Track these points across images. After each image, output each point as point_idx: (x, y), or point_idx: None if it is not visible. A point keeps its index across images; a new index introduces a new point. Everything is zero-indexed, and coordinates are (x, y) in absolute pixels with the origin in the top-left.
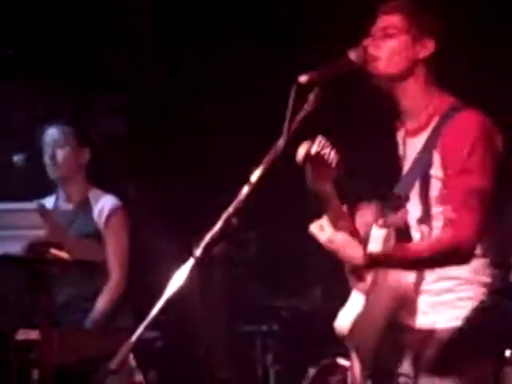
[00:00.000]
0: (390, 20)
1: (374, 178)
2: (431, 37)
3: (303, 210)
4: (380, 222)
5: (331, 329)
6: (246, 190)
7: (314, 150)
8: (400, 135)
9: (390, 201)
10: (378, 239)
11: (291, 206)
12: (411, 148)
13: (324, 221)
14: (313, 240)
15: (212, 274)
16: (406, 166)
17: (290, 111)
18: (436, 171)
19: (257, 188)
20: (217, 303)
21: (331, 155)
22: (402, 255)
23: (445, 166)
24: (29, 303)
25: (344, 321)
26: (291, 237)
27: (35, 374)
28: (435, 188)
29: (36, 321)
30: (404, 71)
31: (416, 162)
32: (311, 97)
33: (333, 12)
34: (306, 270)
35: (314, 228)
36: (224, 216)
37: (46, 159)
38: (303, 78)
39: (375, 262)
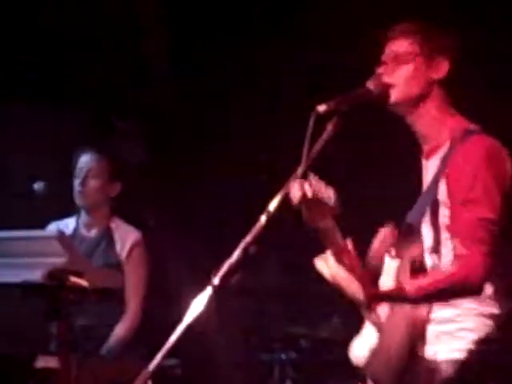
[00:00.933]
0: (400, 45)
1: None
2: (444, 56)
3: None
4: (393, 252)
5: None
6: (263, 217)
7: (309, 193)
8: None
9: (404, 230)
10: (390, 271)
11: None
12: (426, 171)
13: (328, 255)
14: None
15: (229, 303)
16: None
17: (308, 139)
18: (443, 198)
19: (274, 216)
20: (234, 332)
21: (327, 193)
22: (410, 291)
23: (450, 195)
24: (48, 331)
25: (359, 351)
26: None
27: None
28: (443, 215)
29: (54, 348)
30: (420, 95)
31: (428, 188)
32: (329, 126)
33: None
34: (324, 297)
35: (319, 262)
36: (241, 244)
37: (76, 184)
38: (322, 108)
39: (381, 299)
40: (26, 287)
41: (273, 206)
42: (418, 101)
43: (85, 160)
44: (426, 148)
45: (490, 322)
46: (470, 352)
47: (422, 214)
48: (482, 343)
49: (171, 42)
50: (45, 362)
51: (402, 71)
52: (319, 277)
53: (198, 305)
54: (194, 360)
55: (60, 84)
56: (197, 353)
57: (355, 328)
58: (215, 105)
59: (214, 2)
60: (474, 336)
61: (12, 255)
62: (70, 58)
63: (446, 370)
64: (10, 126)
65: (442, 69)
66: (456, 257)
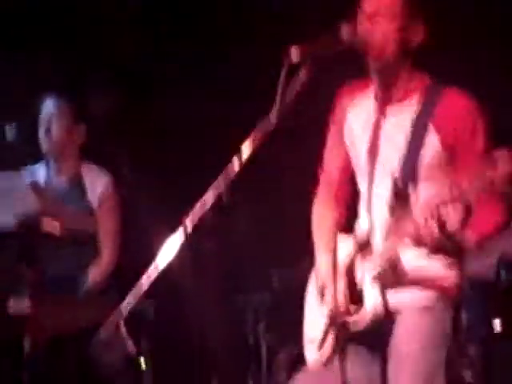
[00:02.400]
0: (383, 1)
1: None
2: (422, 23)
3: (294, 184)
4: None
5: None
6: (236, 164)
7: None
8: (361, 105)
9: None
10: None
11: (283, 180)
12: (384, 116)
13: None
14: (301, 214)
15: (203, 245)
16: (368, 134)
17: (281, 86)
18: (432, 146)
19: (247, 163)
20: (208, 273)
21: None
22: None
23: (453, 140)
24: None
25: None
26: (280, 209)
27: (26, 345)
28: (427, 156)
29: (26, 293)
30: (398, 53)
31: (411, 136)
32: (302, 72)
33: None
34: (295, 241)
35: None
36: (213, 190)
37: (41, 132)
38: (294, 53)
39: None
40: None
41: (245, 152)
42: (393, 59)
43: (47, 106)
44: (388, 94)
45: None
46: None
47: (414, 167)
48: None
49: None
50: (17, 306)
51: (381, 28)
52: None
53: (171, 248)
54: (169, 302)
55: (37, 32)
56: (172, 295)
57: None
58: (189, 53)
59: None
60: None
61: None
62: (48, 7)
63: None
64: None
65: (421, 34)
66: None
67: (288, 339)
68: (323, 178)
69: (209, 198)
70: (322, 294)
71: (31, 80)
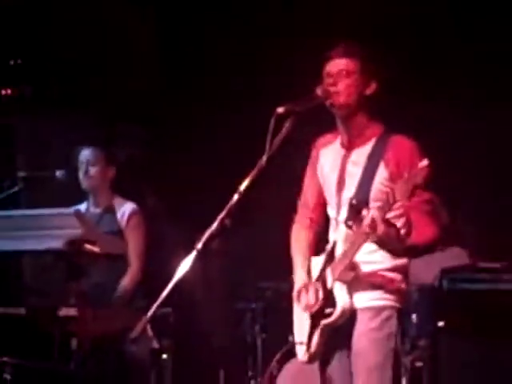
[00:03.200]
0: (345, 63)
1: None
2: (374, 79)
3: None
4: (350, 223)
5: None
6: (236, 196)
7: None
8: (328, 149)
9: (353, 208)
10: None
11: (270, 211)
12: (346, 158)
13: None
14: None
15: (211, 263)
16: (334, 169)
17: (270, 134)
18: (384, 176)
19: (244, 195)
20: (215, 286)
21: None
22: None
23: (397, 173)
24: (68, 287)
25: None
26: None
27: (74, 343)
28: (377, 183)
29: (73, 301)
30: (356, 103)
31: (365, 171)
32: (287, 124)
33: None
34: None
35: None
36: (218, 217)
37: (81, 174)
38: (280, 109)
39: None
40: (51, 253)
41: (243, 186)
42: (354, 107)
43: (84, 154)
44: (350, 141)
45: None
46: None
47: (368, 191)
48: None
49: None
50: (66, 312)
51: (345, 82)
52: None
53: (185, 265)
54: (184, 309)
55: (74, 97)
56: (186, 304)
57: None
58: (200, 110)
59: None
60: None
61: (39, 228)
62: (80, 75)
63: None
64: (42, 129)
65: (372, 88)
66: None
67: (278, 338)
68: (301, 204)
69: (215, 225)
70: (298, 300)
71: (72, 133)
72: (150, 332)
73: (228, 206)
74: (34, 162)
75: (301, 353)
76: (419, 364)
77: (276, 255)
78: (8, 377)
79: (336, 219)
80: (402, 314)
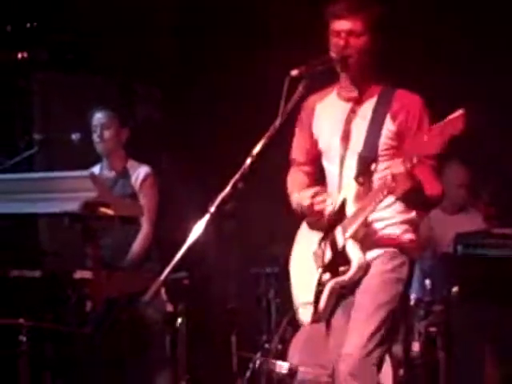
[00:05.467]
0: (353, 23)
1: None
2: (379, 32)
3: None
4: (360, 179)
5: None
6: (249, 160)
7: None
8: (328, 104)
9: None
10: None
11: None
12: (354, 113)
13: None
14: None
15: (224, 226)
16: (336, 121)
17: (284, 98)
18: (392, 129)
19: (257, 159)
20: (229, 249)
21: None
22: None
23: (405, 126)
24: (83, 250)
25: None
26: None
27: (88, 305)
28: (384, 137)
29: (88, 264)
30: (367, 61)
31: (371, 125)
32: (300, 87)
33: None
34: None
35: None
36: (232, 181)
37: (95, 137)
38: (294, 72)
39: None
40: (66, 216)
41: (256, 150)
42: (364, 66)
43: (97, 117)
44: (355, 96)
45: None
46: None
47: (376, 145)
48: None
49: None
50: (81, 274)
51: (356, 44)
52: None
53: (199, 228)
54: (199, 272)
55: (90, 59)
56: (200, 267)
57: None
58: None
59: None
60: None
61: (55, 191)
62: (101, 40)
63: None
64: (58, 92)
65: (379, 42)
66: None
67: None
68: (292, 162)
69: (228, 189)
70: (312, 210)
71: (87, 96)
72: (164, 295)
73: (241, 169)
74: (49, 125)
75: (306, 314)
76: (433, 329)
77: (292, 220)
78: (23, 339)
79: (340, 172)
80: (413, 264)
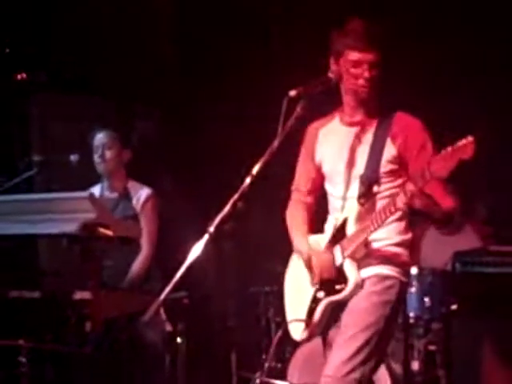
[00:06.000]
0: (375, 55)
1: None
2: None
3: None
4: (362, 200)
5: None
6: (248, 179)
7: None
8: (326, 128)
9: (365, 183)
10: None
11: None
12: (348, 135)
13: None
14: None
15: (223, 246)
16: (339, 146)
17: (282, 118)
18: (392, 153)
19: (256, 179)
20: (228, 269)
21: None
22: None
23: (405, 150)
24: (82, 271)
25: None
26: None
27: (88, 325)
28: (385, 160)
29: (88, 284)
30: (378, 91)
31: (372, 148)
32: (298, 107)
33: None
34: None
35: None
36: (231, 201)
37: (96, 158)
38: (292, 92)
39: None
40: (65, 237)
41: (255, 170)
42: (373, 94)
43: (99, 137)
44: (358, 121)
45: None
46: None
47: (377, 168)
48: None
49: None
50: (81, 295)
51: (376, 75)
52: None
53: (198, 248)
54: (199, 292)
55: (89, 81)
56: (200, 287)
57: None
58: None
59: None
60: None
61: (54, 212)
62: (100, 60)
63: None
64: (56, 114)
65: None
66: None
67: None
68: (295, 189)
69: (227, 209)
70: (309, 267)
71: (86, 117)
72: (163, 315)
73: (241, 188)
74: (48, 146)
75: (297, 331)
76: (432, 347)
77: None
78: (23, 360)
79: (344, 196)
80: (404, 287)
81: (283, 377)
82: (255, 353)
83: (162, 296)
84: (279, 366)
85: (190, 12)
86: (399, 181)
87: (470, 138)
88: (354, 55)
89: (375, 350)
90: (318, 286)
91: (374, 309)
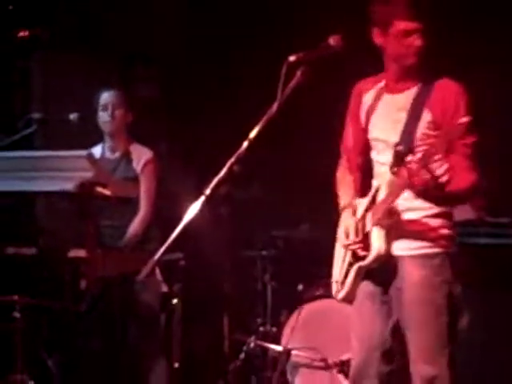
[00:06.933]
0: (419, 24)
1: None
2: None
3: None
4: (394, 169)
5: (315, 255)
6: (245, 143)
7: None
8: (370, 93)
9: (399, 152)
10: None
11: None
12: (390, 101)
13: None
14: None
15: (219, 209)
16: (380, 113)
17: (281, 82)
18: (429, 120)
19: (254, 142)
20: (224, 232)
21: None
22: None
23: (441, 114)
24: (79, 229)
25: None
26: (286, 184)
27: (83, 284)
28: (421, 127)
29: (84, 242)
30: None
31: (410, 115)
32: (298, 72)
33: None
34: (296, 207)
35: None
36: (228, 164)
37: (105, 116)
38: (292, 58)
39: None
40: (63, 195)
41: (253, 133)
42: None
43: (107, 96)
44: (398, 86)
45: None
46: None
47: (412, 137)
48: None
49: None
50: (76, 253)
51: (416, 44)
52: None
53: (193, 210)
54: (194, 254)
55: (91, 40)
56: (196, 249)
57: (320, 232)
58: (218, 59)
59: None
60: None
61: (53, 170)
62: (103, 19)
63: None
64: (57, 72)
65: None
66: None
67: (288, 286)
68: (344, 150)
69: (224, 172)
70: (347, 236)
71: (88, 76)
72: (159, 276)
73: (237, 152)
74: (49, 104)
75: (335, 290)
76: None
77: (288, 204)
78: (18, 315)
79: (380, 163)
80: (453, 257)
81: (278, 341)
82: (250, 316)
83: (156, 256)
84: (274, 329)
85: None
86: None
87: (464, 120)
88: (405, 24)
89: (452, 328)
90: (344, 249)
91: (434, 294)
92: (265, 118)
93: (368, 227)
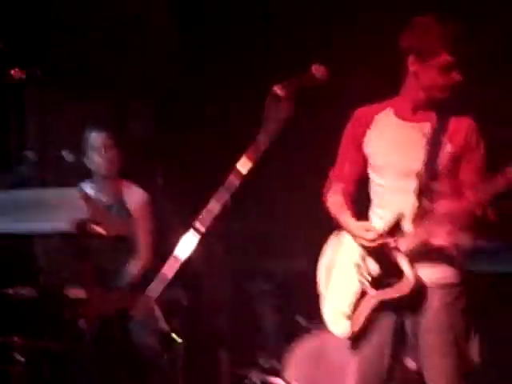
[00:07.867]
0: (459, 59)
1: None
2: None
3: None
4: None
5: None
6: (235, 176)
7: None
8: (378, 119)
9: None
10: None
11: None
12: (404, 129)
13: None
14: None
15: (212, 245)
16: (394, 139)
17: (266, 114)
18: (447, 150)
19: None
20: (219, 267)
21: None
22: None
23: (462, 147)
24: (76, 268)
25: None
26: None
27: (82, 323)
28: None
29: (81, 282)
30: None
31: (430, 145)
32: (283, 106)
33: None
34: (294, 241)
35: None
36: (219, 199)
37: (96, 158)
38: (277, 90)
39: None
40: (59, 235)
41: (245, 170)
42: None
43: (99, 137)
44: (416, 116)
45: None
46: None
47: (436, 164)
48: None
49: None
50: (74, 292)
51: (456, 77)
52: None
53: (188, 247)
54: (197, 292)
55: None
56: (195, 284)
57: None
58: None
59: None
60: None
61: (47, 209)
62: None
63: None
64: (52, 110)
65: None
66: None
67: (288, 319)
68: (335, 177)
69: (215, 206)
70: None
71: (81, 115)
72: (158, 313)
73: (230, 188)
74: (42, 143)
75: (339, 325)
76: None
77: (286, 236)
78: (17, 356)
79: (397, 190)
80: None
81: (279, 374)
82: (250, 350)
83: (153, 293)
84: (275, 363)
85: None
86: (456, 180)
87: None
88: (450, 58)
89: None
90: (368, 283)
91: (455, 321)
92: (256, 154)
93: (396, 256)
